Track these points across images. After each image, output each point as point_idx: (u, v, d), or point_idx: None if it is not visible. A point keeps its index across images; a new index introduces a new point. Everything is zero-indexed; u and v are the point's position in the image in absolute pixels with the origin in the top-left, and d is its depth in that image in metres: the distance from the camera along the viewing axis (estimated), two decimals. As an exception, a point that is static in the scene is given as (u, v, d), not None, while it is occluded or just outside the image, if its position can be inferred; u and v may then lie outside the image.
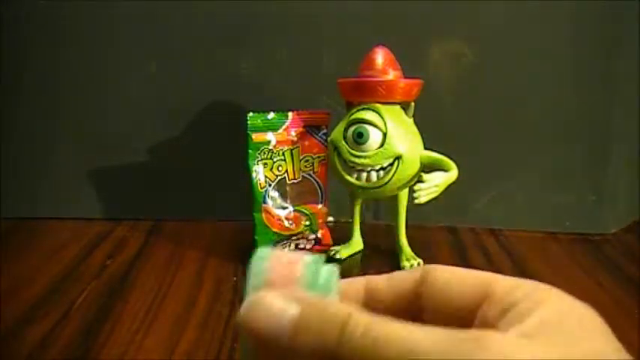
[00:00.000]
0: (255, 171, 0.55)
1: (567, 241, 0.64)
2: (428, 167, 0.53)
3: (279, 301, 0.17)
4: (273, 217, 0.56)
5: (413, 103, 0.53)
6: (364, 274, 0.60)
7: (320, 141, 0.57)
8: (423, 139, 0.54)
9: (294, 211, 0.57)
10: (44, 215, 0.69)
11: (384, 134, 0.51)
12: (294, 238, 0.57)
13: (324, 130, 0.57)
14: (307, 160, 0.57)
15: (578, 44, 0.64)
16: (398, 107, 0.53)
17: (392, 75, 0.53)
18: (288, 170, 0.56)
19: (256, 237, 0.55)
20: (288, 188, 0.57)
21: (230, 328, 0.45)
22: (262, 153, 0.55)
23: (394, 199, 0.57)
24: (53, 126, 0.68)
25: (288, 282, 0.19)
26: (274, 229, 0.56)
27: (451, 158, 0.52)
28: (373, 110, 0.52)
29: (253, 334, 0.17)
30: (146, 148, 0.68)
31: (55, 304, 0.48)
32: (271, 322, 0.17)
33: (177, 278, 0.53)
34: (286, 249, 0.57)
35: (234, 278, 0.53)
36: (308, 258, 0.20)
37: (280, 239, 0.56)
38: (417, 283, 0.20)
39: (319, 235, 0.58)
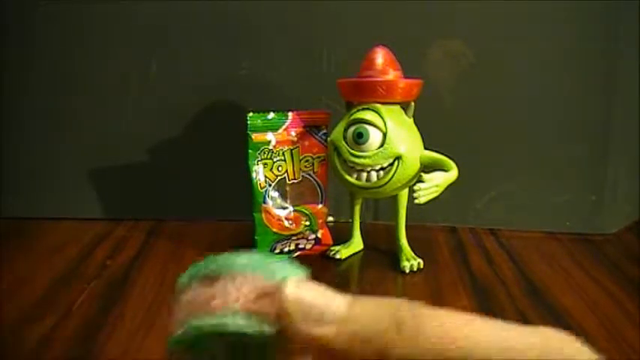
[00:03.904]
0: (255, 171, 0.55)
1: (567, 241, 0.64)
2: (428, 167, 0.53)
3: (321, 295, 0.17)
4: (273, 217, 0.56)
5: (413, 103, 0.53)
6: (364, 273, 0.60)
7: (320, 141, 0.57)
8: (423, 139, 0.54)
9: (294, 211, 0.57)
10: (44, 215, 0.69)
11: (384, 134, 0.51)
12: (294, 238, 0.57)
13: (324, 130, 0.57)
14: (307, 160, 0.57)
15: (578, 44, 0.64)
16: (398, 107, 0.53)
17: (392, 75, 0.52)
18: (288, 170, 0.56)
19: (256, 237, 0.55)
20: (288, 188, 0.57)
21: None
22: (262, 153, 0.55)
23: (394, 199, 0.57)
24: (53, 126, 0.68)
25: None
26: (274, 229, 0.56)
27: (451, 158, 0.52)
28: (373, 110, 0.52)
29: (296, 328, 0.17)
30: (146, 148, 0.68)
31: (55, 304, 0.48)
32: (314, 314, 0.17)
33: (178, 278, 0.53)
34: (286, 249, 0.57)
35: (234, 278, 0.53)
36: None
37: (280, 239, 0.56)
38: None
39: (319, 235, 0.58)
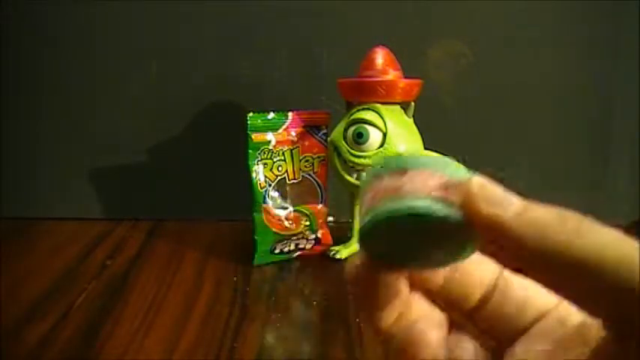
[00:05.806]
0: (255, 171, 0.55)
1: (567, 241, 0.64)
2: (428, 167, 0.53)
3: (500, 190, 0.18)
4: (273, 217, 0.56)
5: (413, 103, 0.53)
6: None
7: (320, 141, 0.57)
8: (423, 139, 0.54)
9: (294, 211, 0.57)
10: (44, 215, 0.69)
11: (384, 134, 0.51)
12: (294, 238, 0.57)
13: (324, 130, 0.57)
14: (307, 160, 0.57)
15: (578, 44, 0.64)
16: (398, 107, 0.53)
17: (392, 75, 0.53)
18: (288, 170, 0.56)
19: (256, 237, 0.55)
20: (288, 188, 0.57)
21: (230, 328, 0.45)
22: (262, 153, 0.55)
23: (394, 199, 0.57)
24: (53, 126, 0.68)
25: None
26: (274, 229, 0.56)
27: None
28: (373, 110, 0.52)
29: (479, 209, 0.18)
30: (146, 148, 0.68)
31: (55, 304, 0.48)
32: (497, 198, 0.18)
33: (177, 278, 0.53)
34: (286, 249, 0.57)
35: (234, 278, 0.53)
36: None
37: (280, 239, 0.56)
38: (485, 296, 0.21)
39: (319, 235, 0.58)
